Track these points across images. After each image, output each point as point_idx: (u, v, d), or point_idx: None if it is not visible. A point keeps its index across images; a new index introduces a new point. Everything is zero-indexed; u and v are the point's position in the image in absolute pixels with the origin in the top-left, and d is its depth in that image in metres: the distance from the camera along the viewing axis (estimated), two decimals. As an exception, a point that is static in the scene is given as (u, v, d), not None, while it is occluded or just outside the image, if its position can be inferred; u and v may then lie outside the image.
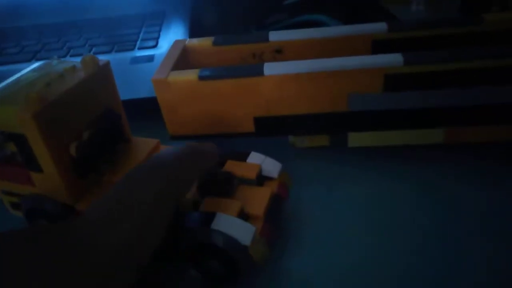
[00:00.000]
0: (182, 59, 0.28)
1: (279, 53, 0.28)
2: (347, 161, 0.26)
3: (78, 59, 0.40)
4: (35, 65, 0.21)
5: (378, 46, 0.27)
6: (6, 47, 0.43)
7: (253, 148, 0.23)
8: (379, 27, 0.27)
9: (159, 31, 0.44)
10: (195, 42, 0.28)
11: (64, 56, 0.41)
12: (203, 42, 0.28)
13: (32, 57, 0.41)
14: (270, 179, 0.22)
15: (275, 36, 0.27)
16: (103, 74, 0.21)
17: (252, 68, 0.23)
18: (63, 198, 0.20)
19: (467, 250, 0.20)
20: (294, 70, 0.23)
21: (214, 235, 0.17)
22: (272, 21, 0.43)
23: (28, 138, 0.18)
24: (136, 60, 0.39)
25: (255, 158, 0.22)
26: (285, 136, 0.27)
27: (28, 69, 0.21)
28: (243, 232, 0.18)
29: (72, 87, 0.19)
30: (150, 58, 0.39)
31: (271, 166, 0.22)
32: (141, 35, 0.44)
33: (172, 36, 0.42)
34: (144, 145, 0.23)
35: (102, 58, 0.40)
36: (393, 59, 0.22)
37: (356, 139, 0.25)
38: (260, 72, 0.23)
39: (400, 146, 0.26)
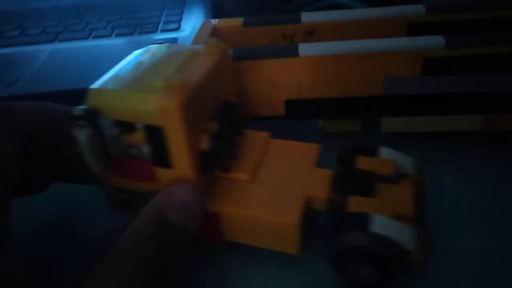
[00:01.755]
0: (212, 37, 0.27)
1: (311, 35, 0.27)
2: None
3: (100, 41, 0.40)
4: (138, 51, 0.20)
5: (414, 29, 0.26)
6: (28, 28, 0.43)
7: (278, 131, 0.22)
8: (416, 9, 0.26)
9: (181, 14, 0.44)
10: (225, 22, 0.28)
11: (87, 38, 0.40)
12: (233, 23, 0.28)
13: (54, 38, 0.41)
14: (402, 176, 0.19)
15: (307, 17, 0.27)
16: (225, 61, 0.19)
17: (286, 48, 0.23)
18: None
19: None
20: (330, 51, 0.22)
21: (373, 239, 0.16)
22: (295, 5, 0.43)
23: (166, 131, 0.16)
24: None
25: (386, 153, 0.20)
26: (315, 120, 0.27)
27: (133, 56, 0.20)
28: (404, 235, 0.16)
29: (207, 74, 0.17)
30: (174, 41, 0.38)
31: (404, 162, 0.20)
32: (162, 18, 0.43)
33: (194, 19, 0.42)
34: (257, 138, 0.21)
35: (125, 40, 0.40)
36: (434, 41, 0.22)
37: (389, 124, 0.25)
38: (294, 53, 0.22)
39: (433, 132, 0.26)
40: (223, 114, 0.19)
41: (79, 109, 0.17)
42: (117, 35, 0.41)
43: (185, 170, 0.17)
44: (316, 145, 0.21)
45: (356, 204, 0.17)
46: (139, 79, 0.17)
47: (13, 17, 0.46)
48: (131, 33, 0.41)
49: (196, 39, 0.26)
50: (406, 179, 0.19)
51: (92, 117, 0.17)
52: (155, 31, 0.41)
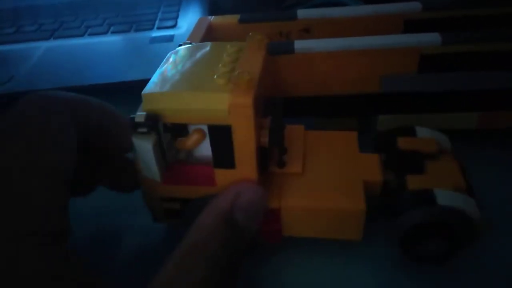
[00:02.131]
0: (207, 36, 0.27)
1: (307, 32, 0.27)
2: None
3: (96, 39, 0.40)
4: (174, 52, 0.19)
5: (411, 26, 0.26)
6: (23, 25, 0.43)
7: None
8: (412, 7, 0.26)
9: (178, 11, 0.43)
10: (221, 19, 0.28)
11: (83, 35, 0.40)
12: (229, 20, 0.27)
13: (50, 36, 0.40)
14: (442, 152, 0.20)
15: (303, 14, 0.27)
16: (267, 56, 0.19)
17: (281, 45, 0.23)
18: None
19: None
20: (326, 47, 0.22)
21: (442, 211, 0.17)
22: (290, 3, 0.42)
23: (235, 129, 0.16)
24: (156, 40, 0.38)
25: (423, 132, 0.21)
26: (310, 118, 0.27)
27: (170, 57, 0.19)
28: (469, 205, 0.17)
29: (261, 69, 0.17)
30: (170, 38, 0.38)
31: (442, 139, 0.20)
32: (159, 15, 0.43)
33: (191, 16, 0.42)
34: (295, 131, 0.21)
35: (121, 37, 0.40)
36: (430, 39, 0.21)
37: (386, 122, 0.25)
38: (290, 50, 0.22)
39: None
40: (272, 109, 0.18)
41: (140, 115, 0.16)
42: (113, 33, 0.40)
43: (248, 169, 0.17)
44: (353, 132, 0.21)
45: (415, 182, 0.18)
46: (194, 78, 0.17)
47: (8, 14, 0.46)
48: (127, 30, 0.41)
49: (192, 36, 0.26)
50: (447, 155, 0.20)
51: (154, 122, 0.16)
52: (151, 28, 0.40)
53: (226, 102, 0.15)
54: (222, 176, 0.17)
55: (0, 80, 0.33)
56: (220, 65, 0.17)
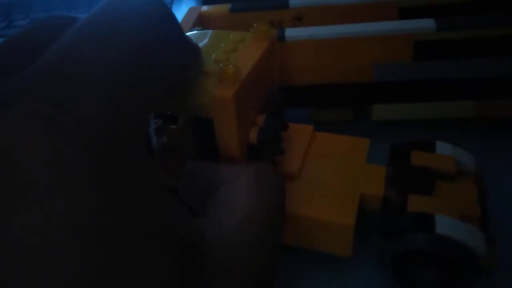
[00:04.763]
0: (197, 27, 0.26)
1: (299, 21, 0.26)
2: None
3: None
4: None
5: (406, 14, 0.26)
6: (15, 19, 0.42)
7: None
8: (407, -7, 0.25)
9: (171, 3, 0.43)
10: (211, 9, 0.27)
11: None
12: (219, 9, 0.27)
13: (41, 29, 0.40)
14: (462, 173, 0.18)
15: (295, 2, 0.26)
16: (272, 48, 0.17)
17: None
18: None
19: None
20: (317, 35, 0.22)
21: (439, 241, 0.15)
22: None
23: (215, 123, 0.15)
24: (148, 32, 0.37)
25: (443, 148, 0.18)
26: (303, 108, 0.26)
27: None
28: (472, 238, 0.15)
29: (257, 62, 0.16)
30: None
31: (465, 158, 0.18)
32: (152, 7, 0.42)
33: (184, 7, 0.41)
34: (301, 132, 0.20)
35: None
36: (425, 24, 0.21)
37: (380, 112, 0.24)
38: (281, 38, 0.22)
39: (426, 119, 0.25)
40: (269, 106, 0.17)
41: None
42: (105, 25, 0.40)
43: None
44: (365, 139, 0.20)
45: (417, 203, 0.16)
46: None
47: (0, 8, 0.45)
48: (120, 23, 0.40)
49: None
50: (467, 176, 0.17)
51: None
52: (144, 21, 0.40)
53: (208, 95, 0.14)
54: None
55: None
56: (214, 55, 0.16)
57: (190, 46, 0.14)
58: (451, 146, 0.18)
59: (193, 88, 0.15)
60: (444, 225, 0.15)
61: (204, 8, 0.27)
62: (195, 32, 0.19)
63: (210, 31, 0.18)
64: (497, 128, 0.25)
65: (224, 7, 0.27)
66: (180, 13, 0.40)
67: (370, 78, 0.23)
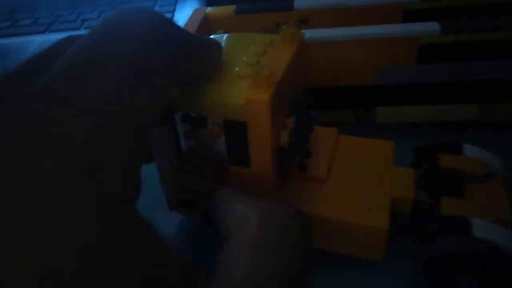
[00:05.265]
0: (203, 28, 0.26)
1: (304, 23, 0.26)
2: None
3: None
4: None
5: (410, 16, 0.26)
6: (19, 19, 0.42)
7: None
8: (412, -4, 0.25)
9: (175, 4, 0.43)
10: (216, 10, 0.27)
11: (79, 29, 0.40)
12: (225, 10, 0.27)
13: (45, 29, 0.40)
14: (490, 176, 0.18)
15: (300, 4, 0.26)
16: (302, 50, 0.17)
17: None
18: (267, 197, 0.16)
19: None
20: (321, 37, 0.22)
21: (475, 245, 0.15)
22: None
23: (249, 126, 0.15)
24: (152, 33, 0.37)
25: (470, 150, 0.18)
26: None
27: None
28: (509, 241, 0.15)
29: (288, 65, 0.15)
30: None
31: (491, 160, 0.18)
32: (156, 8, 0.43)
33: (188, 9, 0.41)
34: (326, 134, 0.20)
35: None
36: (430, 28, 0.21)
37: (384, 114, 0.24)
38: (286, 40, 0.22)
39: (429, 122, 0.25)
40: (298, 108, 0.17)
41: None
42: (109, 26, 0.40)
43: (264, 169, 0.16)
44: (390, 142, 0.19)
45: (450, 206, 0.16)
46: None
47: (4, 7, 0.45)
48: (123, 24, 0.40)
49: (186, 28, 0.25)
50: (495, 179, 0.17)
51: (168, 113, 0.15)
52: (148, 22, 0.40)
53: (243, 97, 0.14)
54: (237, 173, 0.16)
55: (-6, 73, 0.33)
56: (244, 58, 0.16)
57: (201, 43, 0.14)
58: (478, 148, 0.18)
59: (226, 90, 0.15)
60: (481, 228, 0.15)
61: (209, 9, 0.27)
62: (222, 35, 0.18)
63: (238, 33, 0.18)
64: (498, 131, 0.25)
65: (229, 9, 0.27)
66: (183, 14, 0.40)
67: (375, 81, 0.23)
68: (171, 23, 0.13)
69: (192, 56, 0.14)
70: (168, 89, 0.12)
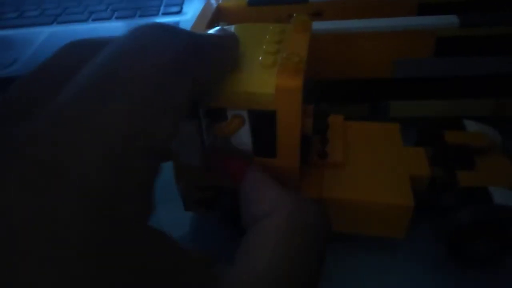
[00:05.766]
0: (215, 20, 0.26)
1: (318, 16, 0.26)
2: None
3: (100, 24, 0.39)
4: (216, 30, 0.17)
5: (425, 10, 0.25)
6: (27, 10, 0.42)
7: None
8: (427, -11, 0.25)
9: (183, -4, 0.43)
10: (228, 2, 0.27)
11: (86, 21, 0.39)
12: (238, 2, 0.27)
13: (53, 21, 0.40)
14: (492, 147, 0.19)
15: (315, -4, 0.26)
16: (311, 39, 0.17)
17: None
18: (291, 188, 0.16)
19: None
20: (336, 29, 0.21)
21: (498, 211, 0.16)
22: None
23: (280, 115, 0.14)
24: (161, 25, 0.37)
25: (471, 126, 0.19)
26: (319, 104, 0.26)
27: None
28: None
29: (306, 54, 0.15)
30: (175, 24, 0.37)
31: (491, 133, 0.19)
32: (164, 1, 0.42)
33: (196, 1, 0.41)
34: (334, 122, 0.20)
35: (125, 23, 0.39)
36: (448, 21, 0.21)
37: (399, 108, 0.24)
38: (301, 32, 0.21)
39: (443, 117, 0.25)
40: (314, 95, 0.17)
41: None
42: (117, 18, 0.40)
43: (290, 159, 0.15)
44: (395, 124, 0.20)
45: (467, 178, 0.17)
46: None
47: (11, -1, 0.45)
48: (131, 16, 0.40)
49: (198, 20, 0.25)
50: (497, 150, 0.19)
51: (193, 107, 0.15)
52: (156, 14, 0.40)
53: (273, 85, 0.14)
54: (261, 164, 0.16)
55: (4, 63, 0.33)
56: (264, 46, 0.16)
57: (219, 41, 0.14)
58: (479, 123, 0.19)
59: (252, 80, 0.14)
60: (500, 195, 0.16)
61: (221, 1, 0.27)
62: (233, 26, 0.18)
63: (248, 24, 0.18)
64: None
65: (242, 1, 0.27)
66: (191, 7, 0.40)
67: (390, 74, 0.22)
68: (182, 31, 0.12)
69: (211, 57, 0.13)
70: (193, 98, 0.12)
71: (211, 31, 0.16)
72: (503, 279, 0.17)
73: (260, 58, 0.15)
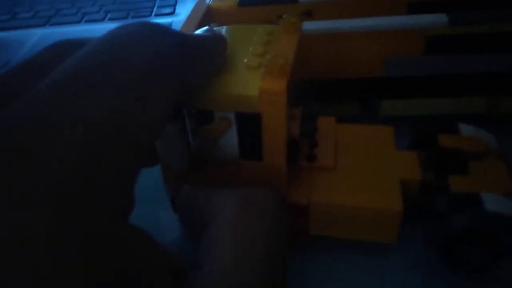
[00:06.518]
0: (205, 20, 0.26)
1: (309, 16, 0.26)
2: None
3: (93, 26, 0.39)
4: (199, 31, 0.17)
5: (415, 9, 0.25)
6: (19, 12, 0.42)
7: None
8: (417, -12, 0.25)
9: (176, -4, 0.43)
10: (219, 2, 0.27)
11: (79, 22, 0.39)
12: (228, 3, 0.27)
13: (45, 22, 0.40)
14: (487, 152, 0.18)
15: (305, -4, 0.26)
16: (301, 40, 0.17)
17: (282, 28, 0.22)
18: (279, 190, 0.16)
19: None
20: (326, 29, 0.21)
21: (489, 218, 0.15)
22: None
23: (265, 118, 0.14)
24: (154, 26, 0.37)
25: (466, 130, 0.19)
26: (309, 104, 0.26)
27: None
28: None
29: (295, 53, 0.15)
30: (168, 25, 0.37)
31: (488, 138, 0.19)
32: (157, 2, 0.42)
33: (189, 2, 0.41)
34: (326, 123, 0.19)
35: (118, 25, 0.39)
36: (437, 19, 0.21)
37: (389, 107, 0.24)
38: (291, 32, 0.21)
39: (435, 116, 0.25)
40: (303, 98, 0.17)
41: None
42: (110, 20, 0.40)
43: (277, 162, 0.15)
44: (389, 127, 0.20)
45: (459, 183, 0.16)
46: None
47: (4, 0, 0.45)
48: (124, 17, 0.40)
49: (189, 20, 0.25)
50: (493, 155, 0.18)
51: (178, 109, 0.15)
52: (149, 15, 0.40)
53: (257, 88, 0.14)
54: (248, 168, 0.16)
55: (-5, 66, 0.33)
56: (250, 48, 0.16)
57: (207, 42, 0.14)
58: (474, 127, 0.19)
59: (237, 82, 0.14)
60: (492, 202, 0.15)
61: (212, 2, 0.27)
62: (222, 27, 0.18)
63: (236, 25, 0.18)
64: (503, 125, 0.25)
65: (232, 1, 0.27)
66: (184, 8, 0.40)
67: (380, 73, 0.22)
68: (170, 30, 0.12)
69: (198, 58, 0.13)
70: (179, 98, 0.12)
71: (199, 31, 0.16)
72: (495, 285, 0.17)
73: (245, 60, 0.15)
